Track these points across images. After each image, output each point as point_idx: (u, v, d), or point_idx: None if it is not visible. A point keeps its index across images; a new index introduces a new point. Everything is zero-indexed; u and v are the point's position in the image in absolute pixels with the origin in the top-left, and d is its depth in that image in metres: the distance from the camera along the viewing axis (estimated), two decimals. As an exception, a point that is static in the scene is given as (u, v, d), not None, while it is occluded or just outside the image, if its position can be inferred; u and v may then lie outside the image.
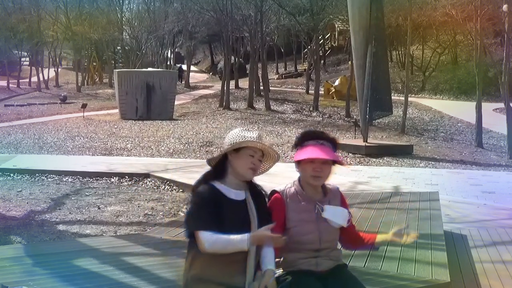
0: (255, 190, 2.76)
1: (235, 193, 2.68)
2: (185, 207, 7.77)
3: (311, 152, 2.76)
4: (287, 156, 13.53)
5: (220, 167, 2.72)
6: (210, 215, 2.56)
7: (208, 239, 2.52)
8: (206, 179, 2.70)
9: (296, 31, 36.60)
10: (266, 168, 2.83)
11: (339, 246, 3.00)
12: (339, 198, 2.92)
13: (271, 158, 2.80)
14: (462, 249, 5.74)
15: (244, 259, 2.58)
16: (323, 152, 2.76)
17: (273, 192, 2.86)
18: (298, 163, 2.82)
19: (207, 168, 2.78)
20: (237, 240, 2.54)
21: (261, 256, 2.65)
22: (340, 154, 2.90)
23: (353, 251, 4.18)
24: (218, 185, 2.67)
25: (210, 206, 2.58)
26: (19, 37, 42.63)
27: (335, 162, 2.84)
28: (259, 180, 2.83)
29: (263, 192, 2.81)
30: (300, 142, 2.85)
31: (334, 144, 2.85)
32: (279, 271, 2.82)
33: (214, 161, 2.76)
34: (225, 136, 2.75)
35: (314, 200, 2.83)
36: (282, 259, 2.84)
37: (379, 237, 2.96)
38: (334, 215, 2.81)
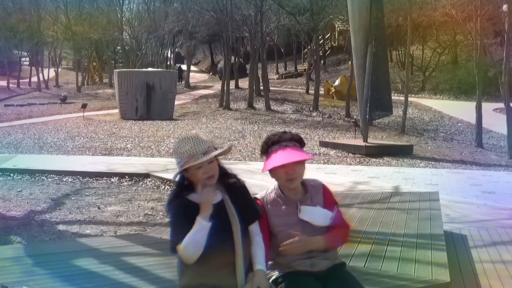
0: (233, 188, 2.67)
1: None
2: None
3: (278, 158, 2.70)
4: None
5: (183, 182, 2.63)
6: (183, 230, 2.49)
7: (181, 249, 2.47)
8: (176, 194, 2.63)
9: (296, 31, 36.61)
10: (225, 153, 2.68)
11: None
12: (321, 193, 2.84)
13: (223, 152, 2.65)
14: (462, 249, 5.74)
15: (233, 261, 2.53)
16: (289, 154, 2.71)
17: (254, 199, 2.81)
18: (270, 170, 2.75)
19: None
20: (194, 228, 2.47)
21: (251, 257, 2.61)
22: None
23: (353, 252, 4.19)
24: (191, 196, 2.59)
25: (182, 221, 2.52)
26: (19, 37, 42.63)
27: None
28: (252, 179, 2.80)
29: (243, 185, 2.71)
30: (266, 151, 2.78)
31: (299, 142, 2.80)
32: (275, 272, 2.79)
33: (176, 179, 2.67)
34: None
35: (295, 201, 2.77)
36: (274, 262, 2.80)
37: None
38: (313, 214, 2.72)
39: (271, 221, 2.75)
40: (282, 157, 2.70)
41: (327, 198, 2.84)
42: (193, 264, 2.50)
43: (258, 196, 2.82)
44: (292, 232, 2.71)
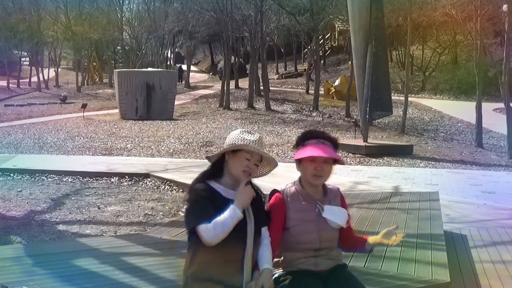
0: (255, 192, 2.75)
1: (232, 193, 2.68)
2: (185, 207, 7.76)
3: (312, 150, 2.77)
4: (287, 156, 13.53)
5: (217, 166, 2.73)
6: (206, 210, 2.56)
7: (206, 229, 2.52)
8: (203, 178, 2.71)
9: (296, 31, 36.61)
10: (264, 173, 2.83)
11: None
12: (339, 199, 2.92)
13: (269, 164, 2.80)
14: (462, 249, 5.74)
15: (242, 258, 2.59)
16: (325, 151, 2.77)
17: (274, 191, 2.87)
18: (299, 162, 2.83)
19: (206, 167, 2.79)
20: (228, 212, 2.55)
21: (258, 256, 2.65)
22: (340, 154, 2.90)
23: (353, 252, 4.18)
24: (214, 184, 2.68)
25: (205, 202, 2.59)
26: (19, 37, 42.62)
27: (335, 162, 2.84)
28: (259, 180, 2.83)
29: (262, 194, 2.81)
30: (301, 141, 2.85)
31: (334, 144, 2.86)
32: (279, 271, 2.82)
33: (213, 159, 2.77)
34: (226, 136, 2.76)
35: (314, 199, 2.83)
36: (282, 258, 2.84)
37: (370, 239, 2.95)
38: (334, 215, 2.81)
39: (288, 214, 2.80)
40: (316, 150, 2.76)
41: (343, 204, 2.94)
42: (205, 255, 2.56)
43: (278, 188, 2.88)
44: (306, 228, 2.77)
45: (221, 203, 2.62)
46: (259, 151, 2.67)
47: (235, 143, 2.67)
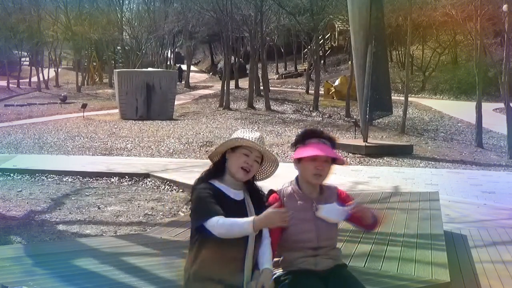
0: (255, 193, 2.77)
1: (234, 193, 2.69)
2: (185, 207, 7.77)
3: (314, 149, 2.77)
4: (287, 156, 13.53)
5: (219, 165, 2.74)
6: (213, 205, 2.57)
7: (216, 223, 2.52)
8: (205, 177, 2.72)
9: (296, 31, 36.59)
10: (268, 174, 2.83)
11: (338, 245, 3.00)
12: (335, 196, 2.92)
13: (271, 162, 2.79)
14: (462, 249, 5.74)
15: (243, 257, 2.59)
16: (325, 150, 2.78)
17: (271, 191, 2.88)
18: (299, 161, 2.83)
19: (207, 167, 2.79)
20: (243, 221, 2.53)
21: (258, 255, 2.66)
22: (339, 154, 2.91)
23: (353, 252, 4.19)
24: (217, 183, 2.69)
25: (212, 200, 2.60)
26: (19, 37, 42.58)
27: (334, 161, 2.85)
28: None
29: (263, 196, 2.82)
30: (301, 140, 2.86)
31: (333, 144, 2.87)
32: (279, 271, 2.82)
33: (214, 158, 2.77)
34: (226, 136, 2.76)
35: (311, 198, 2.84)
36: (281, 258, 2.85)
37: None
38: (329, 212, 2.80)
39: None
40: (318, 149, 2.77)
41: (341, 199, 2.93)
42: (207, 254, 2.58)
43: (275, 189, 2.89)
44: (304, 227, 2.79)
45: (225, 202, 2.62)
46: (257, 145, 2.67)
47: (237, 139, 2.69)
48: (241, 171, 2.66)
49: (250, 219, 2.54)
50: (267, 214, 2.52)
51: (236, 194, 2.70)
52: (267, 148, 2.75)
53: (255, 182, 2.80)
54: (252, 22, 30.34)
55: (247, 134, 2.71)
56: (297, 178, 2.90)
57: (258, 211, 2.68)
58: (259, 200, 2.77)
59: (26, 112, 27.24)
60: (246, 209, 2.68)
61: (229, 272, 2.57)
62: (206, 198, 2.59)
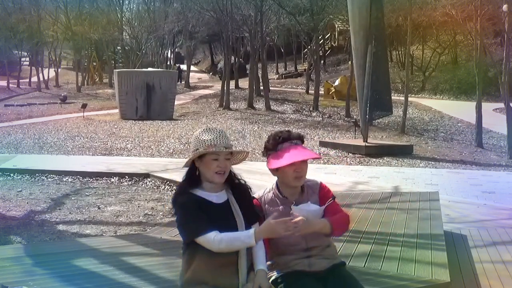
0: (238, 188, 2.70)
1: (216, 196, 2.63)
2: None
3: (291, 156, 2.70)
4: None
5: (193, 174, 2.66)
6: (202, 218, 2.53)
7: (213, 240, 2.49)
8: (183, 189, 2.64)
9: (296, 31, 36.61)
10: (241, 159, 2.72)
11: (338, 245, 2.96)
12: (317, 193, 2.85)
13: (240, 153, 2.71)
14: (462, 249, 5.74)
15: (236, 261, 2.57)
16: (301, 152, 2.73)
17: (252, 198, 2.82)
18: (276, 169, 2.74)
19: (182, 178, 2.73)
20: (244, 235, 2.52)
21: (252, 257, 2.63)
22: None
23: (353, 252, 4.19)
24: (197, 191, 2.63)
25: (197, 212, 2.54)
26: (19, 37, 42.59)
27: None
28: (251, 179, 2.80)
29: (247, 187, 2.74)
30: (274, 147, 2.77)
31: (302, 141, 2.81)
32: (274, 273, 2.80)
33: (187, 167, 2.69)
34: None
35: (291, 202, 2.77)
36: (273, 262, 2.81)
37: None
38: (303, 212, 2.69)
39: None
40: (296, 153, 2.70)
41: (323, 197, 2.84)
42: (199, 260, 2.54)
43: (255, 196, 2.83)
44: None
45: (209, 209, 2.58)
46: (222, 151, 2.57)
47: (197, 149, 2.58)
48: (216, 175, 2.59)
49: (251, 232, 2.51)
50: (269, 226, 2.50)
51: (219, 197, 2.64)
52: (231, 142, 2.65)
53: (232, 172, 2.70)
54: (252, 22, 30.34)
55: (206, 136, 2.59)
56: (277, 183, 2.84)
57: (244, 208, 2.64)
58: (243, 192, 2.69)
59: (26, 112, 27.25)
60: (232, 211, 2.62)
61: (224, 276, 2.55)
62: (192, 212, 2.53)
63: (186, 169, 2.67)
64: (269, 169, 2.78)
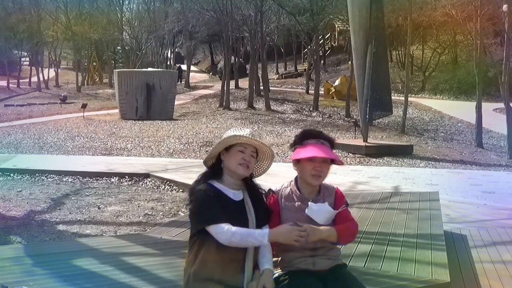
0: (254, 192, 2.77)
1: (233, 193, 2.69)
2: (185, 206, 7.75)
3: (312, 150, 2.76)
4: (287, 156, 13.53)
5: (216, 167, 2.74)
6: (215, 210, 2.57)
7: (225, 231, 2.53)
8: (204, 179, 2.72)
9: (296, 31, 36.61)
10: (265, 168, 2.83)
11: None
12: (333, 197, 2.90)
13: (266, 156, 2.79)
14: (462, 249, 5.73)
15: (243, 258, 2.60)
16: (324, 151, 2.78)
17: (269, 191, 2.87)
18: (297, 162, 2.82)
19: (205, 170, 2.79)
20: (258, 232, 2.57)
21: (258, 256, 2.66)
22: (338, 154, 2.91)
23: (353, 252, 4.19)
24: (216, 184, 2.69)
25: (213, 202, 2.59)
26: (19, 37, 42.60)
27: (333, 161, 2.84)
28: (259, 179, 2.83)
29: (263, 193, 2.81)
30: (300, 141, 2.85)
31: (332, 144, 2.86)
32: (278, 271, 2.82)
33: (209, 161, 2.77)
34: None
35: (307, 199, 2.82)
36: (279, 259, 2.84)
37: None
38: (316, 213, 2.77)
39: (282, 214, 2.81)
40: (316, 150, 2.76)
41: (338, 202, 2.90)
42: (208, 253, 2.57)
43: (273, 189, 2.88)
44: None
45: (225, 203, 2.62)
46: (251, 140, 2.68)
47: (226, 140, 2.70)
48: (240, 167, 2.66)
49: (265, 231, 2.58)
50: (284, 230, 2.57)
51: (235, 194, 2.69)
52: (260, 141, 2.75)
53: (253, 179, 2.80)
54: (252, 22, 30.34)
55: (237, 132, 2.72)
56: (296, 179, 2.90)
57: (257, 211, 2.69)
58: (259, 198, 2.76)
59: (26, 112, 27.25)
60: (245, 210, 2.68)
61: (229, 272, 2.57)
62: (208, 201, 2.59)
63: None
64: (292, 162, 2.86)
